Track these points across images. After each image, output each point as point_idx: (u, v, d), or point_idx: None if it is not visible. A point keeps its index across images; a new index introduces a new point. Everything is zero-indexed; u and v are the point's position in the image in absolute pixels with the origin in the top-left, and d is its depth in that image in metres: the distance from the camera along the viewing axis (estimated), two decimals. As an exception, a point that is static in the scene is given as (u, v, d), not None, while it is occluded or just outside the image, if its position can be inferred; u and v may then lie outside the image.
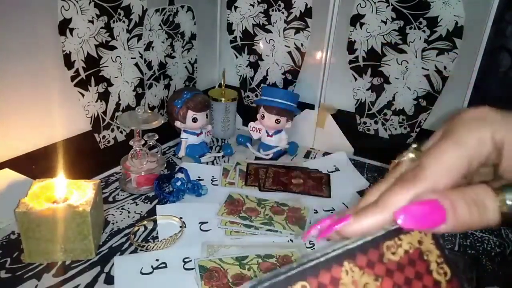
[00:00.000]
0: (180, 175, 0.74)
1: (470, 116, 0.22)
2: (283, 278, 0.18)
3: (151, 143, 0.74)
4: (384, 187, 0.23)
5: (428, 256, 0.20)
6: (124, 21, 0.76)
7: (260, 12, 0.94)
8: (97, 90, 0.74)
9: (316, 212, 0.70)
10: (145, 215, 0.68)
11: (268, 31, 0.95)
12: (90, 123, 0.75)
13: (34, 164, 0.65)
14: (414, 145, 0.25)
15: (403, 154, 0.25)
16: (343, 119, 0.93)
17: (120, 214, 0.67)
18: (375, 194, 0.23)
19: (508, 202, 0.20)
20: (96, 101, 0.75)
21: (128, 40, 0.78)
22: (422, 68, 0.81)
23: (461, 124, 0.22)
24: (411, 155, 0.24)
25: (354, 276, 0.19)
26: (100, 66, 0.73)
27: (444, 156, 0.21)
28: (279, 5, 0.91)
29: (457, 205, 0.20)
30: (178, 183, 0.71)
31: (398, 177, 0.23)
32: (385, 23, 0.81)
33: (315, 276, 0.18)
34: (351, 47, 0.86)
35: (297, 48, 0.93)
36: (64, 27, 0.65)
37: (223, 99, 0.96)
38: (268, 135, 0.90)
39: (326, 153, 0.94)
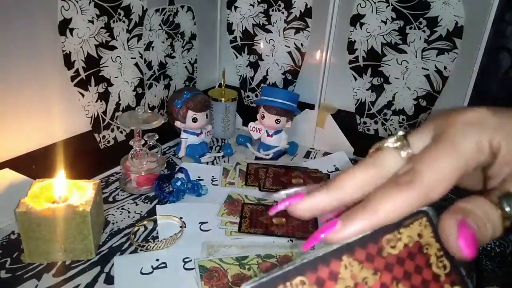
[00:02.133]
0: (180, 175, 0.74)
1: (466, 119, 0.21)
2: (281, 273, 0.18)
3: (151, 143, 0.75)
4: (364, 176, 0.21)
5: (428, 249, 0.20)
6: (124, 21, 0.76)
7: (260, 12, 0.94)
8: (97, 90, 0.74)
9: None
10: (145, 215, 0.68)
11: (268, 31, 0.95)
12: (90, 123, 0.75)
13: (34, 164, 0.65)
14: (401, 132, 0.23)
15: (387, 140, 0.23)
16: (343, 119, 0.93)
17: (120, 214, 0.67)
18: (349, 183, 0.21)
19: (509, 213, 0.20)
20: (96, 101, 0.75)
21: (128, 40, 0.78)
22: (422, 68, 0.81)
23: (458, 128, 0.21)
24: (397, 143, 0.22)
25: (353, 271, 0.19)
26: (100, 66, 0.73)
27: (441, 163, 0.20)
28: (279, 5, 0.91)
29: (479, 223, 0.20)
30: (178, 183, 0.71)
31: (390, 178, 0.21)
32: (385, 23, 0.81)
33: (314, 271, 0.18)
34: (351, 47, 0.86)
35: (297, 48, 0.93)
36: (64, 27, 0.65)
37: (223, 99, 0.96)
38: (268, 135, 0.90)
39: (326, 153, 0.94)
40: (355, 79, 0.88)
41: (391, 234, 0.20)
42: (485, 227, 0.20)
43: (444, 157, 0.20)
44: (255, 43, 0.98)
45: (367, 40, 0.84)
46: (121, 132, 0.82)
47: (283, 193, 0.24)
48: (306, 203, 0.21)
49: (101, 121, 0.77)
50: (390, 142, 0.22)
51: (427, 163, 0.20)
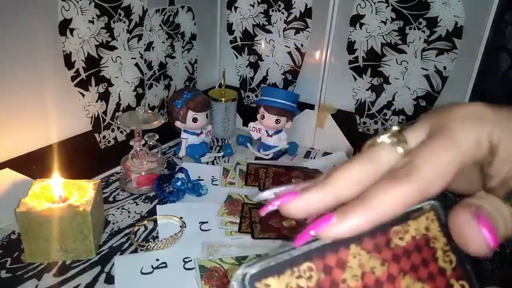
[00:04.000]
0: (180, 175, 0.74)
1: (465, 113, 0.21)
2: (289, 258, 0.17)
3: (151, 143, 0.75)
4: (359, 172, 0.20)
5: (435, 243, 0.20)
6: (124, 22, 0.76)
7: (260, 13, 0.94)
8: (97, 90, 0.74)
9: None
10: (145, 215, 0.68)
11: (268, 31, 0.95)
12: (91, 123, 0.75)
13: (34, 164, 0.66)
14: (396, 127, 0.22)
15: (381, 135, 0.22)
16: (343, 119, 0.93)
17: (121, 214, 0.67)
18: (345, 178, 0.20)
19: None
20: (97, 101, 0.75)
21: (128, 40, 0.78)
22: (422, 68, 0.81)
23: (456, 122, 0.20)
24: (392, 138, 0.21)
25: (361, 260, 0.18)
26: (101, 66, 0.74)
27: (439, 156, 0.19)
28: (279, 6, 0.92)
29: (496, 217, 0.19)
30: (178, 183, 0.71)
31: (386, 172, 0.20)
32: (385, 23, 0.81)
33: (321, 258, 0.18)
34: (351, 47, 0.87)
35: (297, 48, 0.93)
36: (65, 27, 0.65)
37: (223, 99, 0.96)
38: (268, 135, 0.90)
39: (326, 153, 0.95)
40: (355, 79, 0.88)
41: (399, 226, 0.20)
42: (498, 223, 0.19)
43: (443, 150, 0.20)
44: (255, 44, 0.98)
45: (367, 40, 0.84)
46: (121, 132, 0.82)
47: (268, 192, 0.23)
48: (299, 202, 0.20)
49: (101, 121, 0.77)
50: (385, 138, 0.21)
51: (425, 156, 0.20)
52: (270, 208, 0.21)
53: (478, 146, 0.20)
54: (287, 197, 0.20)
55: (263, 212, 0.21)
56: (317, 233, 0.19)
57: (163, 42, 0.87)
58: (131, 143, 0.73)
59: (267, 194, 0.23)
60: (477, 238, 0.19)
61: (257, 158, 0.90)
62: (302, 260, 0.18)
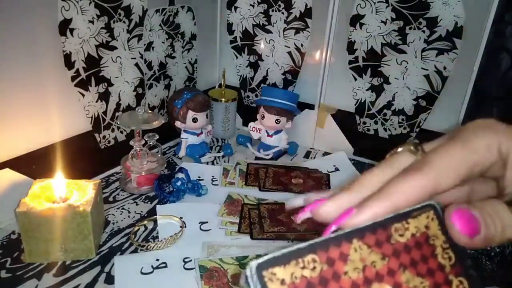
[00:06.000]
0: (180, 175, 0.74)
1: (478, 124, 0.22)
2: (295, 249, 0.19)
3: (151, 143, 0.75)
4: (380, 176, 0.22)
5: (434, 241, 0.21)
6: (124, 22, 0.76)
7: (260, 13, 0.94)
8: (97, 90, 0.74)
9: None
10: (145, 215, 0.68)
11: (268, 32, 0.95)
12: (91, 123, 0.75)
13: (34, 164, 0.66)
14: (416, 140, 0.24)
15: (402, 145, 0.24)
16: (343, 119, 0.93)
17: (121, 214, 0.67)
18: (370, 180, 0.22)
19: None
20: (97, 101, 0.75)
21: (128, 40, 0.78)
22: (422, 68, 0.81)
23: (470, 130, 0.22)
24: (411, 147, 0.24)
25: (362, 254, 0.19)
26: (101, 66, 0.74)
27: (450, 154, 0.21)
28: (279, 6, 0.92)
29: (485, 215, 0.20)
30: (178, 183, 0.71)
31: (402, 169, 0.22)
32: (385, 23, 0.81)
33: (325, 251, 0.19)
34: (351, 47, 0.87)
35: (297, 48, 0.93)
36: (65, 27, 0.65)
37: (223, 99, 0.96)
38: (268, 135, 0.90)
39: (326, 153, 0.95)
40: (355, 79, 0.88)
41: (399, 223, 0.21)
42: (494, 223, 0.20)
43: (454, 149, 0.21)
44: (255, 44, 0.98)
45: (367, 40, 0.84)
46: (121, 132, 0.82)
47: (298, 200, 0.25)
48: (332, 205, 0.22)
49: (101, 121, 0.77)
50: (405, 147, 0.24)
51: (436, 152, 0.21)
52: (304, 215, 0.23)
53: (489, 152, 0.21)
54: (318, 203, 0.22)
55: (299, 220, 0.23)
56: (340, 225, 0.21)
57: (163, 42, 0.87)
58: (131, 143, 0.73)
59: (297, 201, 0.25)
60: (453, 230, 0.21)
61: (257, 158, 0.90)
62: (307, 252, 0.19)
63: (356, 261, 0.19)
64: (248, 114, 1.02)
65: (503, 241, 0.20)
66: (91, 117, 0.75)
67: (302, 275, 0.18)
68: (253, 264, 0.18)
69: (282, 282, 0.18)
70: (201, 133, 0.88)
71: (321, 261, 0.19)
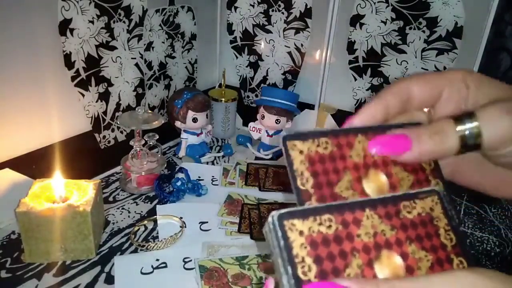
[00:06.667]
0: (180, 175, 0.74)
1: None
2: (313, 207, 0.21)
3: (151, 143, 0.75)
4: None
5: (438, 222, 0.23)
6: (124, 22, 0.76)
7: (260, 13, 0.94)
8: (97, 90, 0.74)
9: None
10: (145, 215, 0.68)
11: (268, 32, 0.95)
12: (91, 123, 0.75)
13: (34, 164, 0.66)
14: None
15: None
16: (343, 119, 0.92)
17: (121, 214, 0.67)
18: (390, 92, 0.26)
19: (467, 126, 0.23)
20: (97, 101, 0.75)
21: (128, 40, 0.78)
22: (422, 68, 0.81)
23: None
24: None
25: (374, 222, 0.21)
26: (101, 66, 0.74)
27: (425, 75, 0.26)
28: (279, 6, 0.92)
29: (421, 134, 0.23)
30: (178, 183, 0.71)
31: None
32: (385, 23, 0.81)
33: (340, 214, 0.21)
34: (351, 47, 0.87)
35: (297, 48, 0.93)
36: (65, 27, 0.65)
37: (223, 99, 0.96)
38: (268, 135, 0.90)
39: (326, 153, 0.94)
40: (355, 79, 0.89)
41: (407, 201, 0.23)
42: (431, 138, 0.23)
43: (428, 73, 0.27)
44: (255, 44, 0.98)
45: (367, 40, 0.84)
46: (121, 132, 0.82)
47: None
48: (360, 116, 0.27)
49: (101, 121, 0.77)
50: None
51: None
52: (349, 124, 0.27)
53: (456, 78, 0.25)
54: (350, 117, 0.27)
55: (347, 124, 0.27)
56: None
57: (163, 42, 0.87)
58: (131, 143, 0.73)
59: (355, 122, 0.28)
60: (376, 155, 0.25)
61: (257, 158, 0.90)
62: (324, 211, 0.21)
63: (368, 227, 0.21)
64: (248, 114, 1.02)
65: (447, 153, 0.23)
66: (91, 117, 0.75)
67: (319, 230, 0.20)
68: (275, 213, 0.20)
69: (301, 233, 0.20)
70: (201, 133, 0.88)
71: (336, 222, 0.21)
